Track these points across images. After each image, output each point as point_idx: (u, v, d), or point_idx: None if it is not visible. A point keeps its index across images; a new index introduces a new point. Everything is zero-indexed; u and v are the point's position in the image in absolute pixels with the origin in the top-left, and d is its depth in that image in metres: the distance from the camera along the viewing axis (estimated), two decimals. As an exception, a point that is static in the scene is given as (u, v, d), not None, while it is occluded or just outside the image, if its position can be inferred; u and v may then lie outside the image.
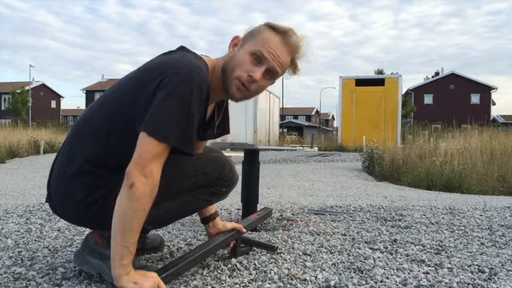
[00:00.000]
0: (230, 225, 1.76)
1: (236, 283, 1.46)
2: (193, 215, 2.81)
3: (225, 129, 1.61)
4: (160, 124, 1.23)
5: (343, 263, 1.71)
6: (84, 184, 1.35)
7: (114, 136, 1.34)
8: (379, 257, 1.81)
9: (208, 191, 1.54)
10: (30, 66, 42.52)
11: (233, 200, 3.71)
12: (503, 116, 51.93)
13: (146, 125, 1.24)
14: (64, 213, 1.46)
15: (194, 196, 1.51)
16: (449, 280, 1.53)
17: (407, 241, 2.14)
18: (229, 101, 1.56)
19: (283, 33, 1.39)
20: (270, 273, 1.55)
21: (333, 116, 74.38)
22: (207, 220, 1.74)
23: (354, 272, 1.60)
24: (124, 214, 1.23)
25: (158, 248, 1.83)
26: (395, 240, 2.15)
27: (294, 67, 1.45)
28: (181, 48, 1.43)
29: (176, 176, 1.43)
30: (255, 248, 1.87)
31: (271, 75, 1.41)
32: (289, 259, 1.74)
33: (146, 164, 1.22)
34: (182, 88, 1.25)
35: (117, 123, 1.34)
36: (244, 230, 1.77)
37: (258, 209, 2.47)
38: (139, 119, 1.27)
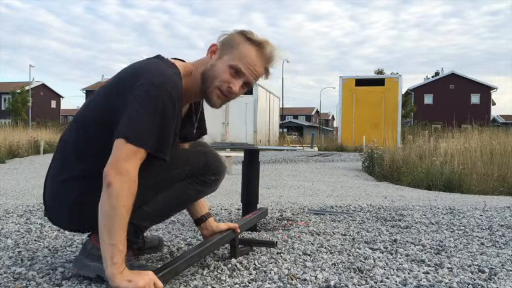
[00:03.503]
0: (224, 225, 1.76)
1: (236, 283, 1.46)
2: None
3: (203, 130, 1.68)
4: (135, 131, 1.30)
5: (343, 263, 1.71)
6: (75, 186, 1.43)
7: (92, 144, 1.43)
8: (379, 257, 1.81)
9: (197, 180, 1.57)
10: (30, 66, 42.50)
11: (233, 200, 3.71)
12: (503, 116, 51.90)
13: (121, 132, 1.30)
14: (59, 219, 1.51)
15: (183, 187, 1.55)
16: (449, 280, 1.53)
17: (407, 241, 2.14)
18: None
19: (259, 45, 1.48)
20: (270, 273, 1.55)
21: (333, 116, 74.35)
22: (199, 221, 1.75)
23: (354, 272, 1.60)
24: (106, 213, 1.27)
25: (157, 247, 1.83)
26: (395, 240, 2.15)
27: (266, 74, 1.54)
28: (157, 57, 1.50)
29: (162, 169, 1.47)
30: (255, 248, 1.87)
31: (247, 85, 1.52)
32: (289, 259, 1.74)
33: (121, 164, 1.27)
34: (155, 99, 1.32)
35: (94, 133, 1.43)
36: (239, 230, 1.77)
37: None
38: (115, 127, 1.33)
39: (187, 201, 1.64)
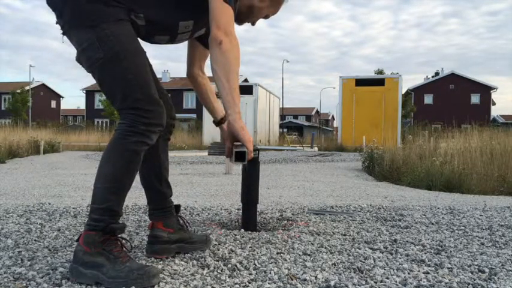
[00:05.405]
0: None
1: (236, 283, 1.46)
2: (194, 214, 2.81)
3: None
4: None
5: (343, 263, 1.71)
6: None
7: None
8: (379, 257, 1.81)
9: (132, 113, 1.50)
10: (30, 66, 42.66)
11: (233, 200, 3.72)
12: (503, 116, 51.96)
13: None
14: None
15: (116, 146, 1.51)
16: (449, 280, 1.53)
17: (407, 241, 2.14)
18: None
19: None
20: (270, 273, 1.55)
21: (333, 116, 74.39)
22: (220, 123, 2.13)
23: (354, 272, 1.60)
24: (221, 65, 1.52)
25: (205, 243, 1.89)
26: (395, 240, 2.15)
27: None
28: None
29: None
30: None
31: None
32: (289, 259, 1.74)
33: (227, 27, 1.53)
34: None
35: None
36: None
37: (258, 209, 2.48)
38: None
39: (130, 159, 1.51)
